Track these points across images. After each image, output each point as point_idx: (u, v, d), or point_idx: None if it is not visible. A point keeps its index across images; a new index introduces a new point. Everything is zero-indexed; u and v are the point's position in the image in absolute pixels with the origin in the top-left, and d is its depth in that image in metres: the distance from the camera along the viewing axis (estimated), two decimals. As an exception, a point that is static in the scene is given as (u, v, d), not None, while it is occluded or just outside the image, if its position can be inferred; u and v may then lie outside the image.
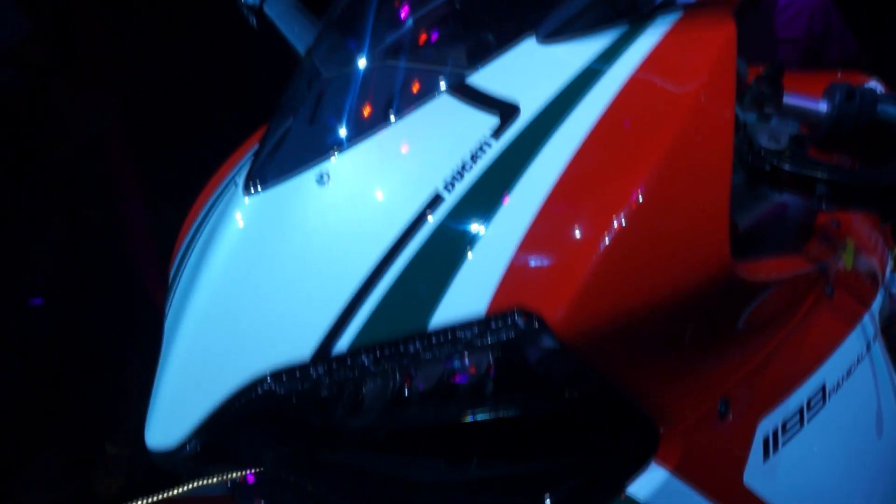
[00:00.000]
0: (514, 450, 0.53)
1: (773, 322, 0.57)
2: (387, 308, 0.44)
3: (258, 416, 0.48)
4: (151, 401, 0.48)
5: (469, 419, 0.51)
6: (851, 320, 0.67)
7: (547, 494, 0.48)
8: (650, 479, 0.48)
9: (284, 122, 0.59)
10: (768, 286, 0.52)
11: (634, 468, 0.48)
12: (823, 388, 0.61)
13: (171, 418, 0.47)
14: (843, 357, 0.64)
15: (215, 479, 0.48)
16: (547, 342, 0.42)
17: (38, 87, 1.30)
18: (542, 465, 0.52)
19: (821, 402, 0.60)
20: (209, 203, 0.66)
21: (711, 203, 0.44)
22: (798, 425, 0.58)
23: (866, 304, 0.72)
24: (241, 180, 0.56)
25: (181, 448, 0.46)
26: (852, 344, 0.66)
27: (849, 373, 0.64)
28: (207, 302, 0.49)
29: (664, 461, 0.48)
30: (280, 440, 0.50)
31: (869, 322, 0.70)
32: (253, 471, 0.49)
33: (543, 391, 0.50)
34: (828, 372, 0.61)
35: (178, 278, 0.57)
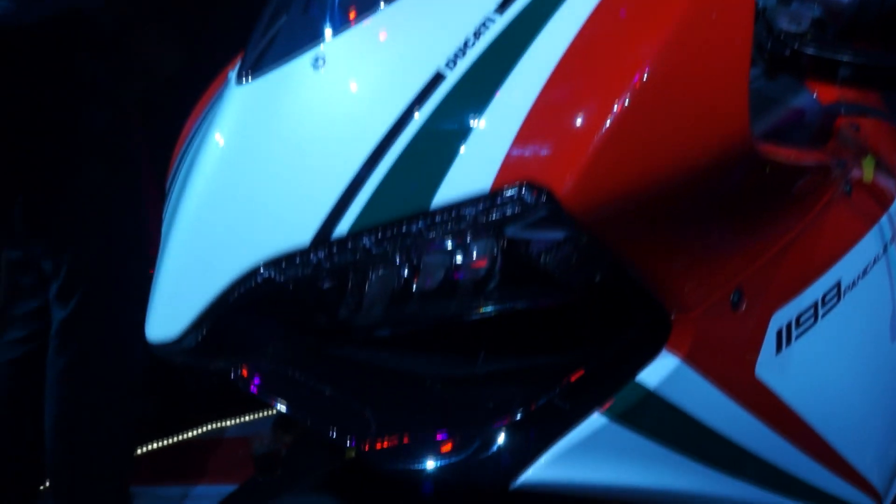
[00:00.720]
0: (522, 344, 0.52)
1: (790, 215, 0.56)
2: (388, 188, 0.42)
3: (260, 308, 0.47)
4: (151, 294, 0.47)
5: (476, 314, 0.50)
6: (869, 220, 0.65)
7: (556, 385, 0.47)
8: (661, 367, 0.47)
9: (278, 12, 0.56)
10: (786, 171, 0.50)
11: (645, 356, 0.47)
12: (839, 286, 0.59)
13: (170, 310, 0.46)
14: (860, 255, 0.62)
15: (216, 368, 0.47)
16: (555, 217, 0.40)
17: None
18: (550, 359, 0.51)
19: (835, 299, 0.59)
20: (208, 106, 0.64)
21: (731, 70, 0.42)
22: (812, 320, 0.56)
23: (884, 207, 0.69)
24: (234, 73, 0.54)
25: (181, 339, 0.45)
26: (869, 243, 0.64)
27: (864, 272, 0.63)
28: (203, 193, 0.47)
29: (675, 349, 0.47)
30: (284, 334, 0.49)
31: (887, 224, 0.68)
32: (257, 364, 0.48)
33: (552, 281, 0.49)
34: (843, 269, 0.60)
35: (176, 177, 0.55)
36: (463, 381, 0.51)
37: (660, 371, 0.47)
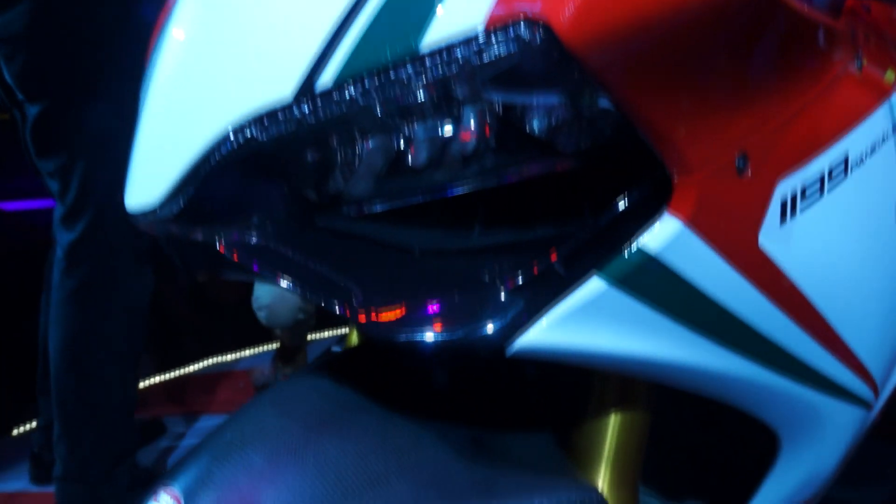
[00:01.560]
0: (519, 216, 0.51)
1: (799, 82, 0.53)
2: (374, 33, 0.39)
3: (245, 174, 0.45)
4: (129, 165, 0.45)
5: (470, 185, 0.48)
6: (879, 96, 0.63)
7: (553, 250, 0.46)
8: (662, 231, 0.46)
9: None
10: (798, 24, 0.47)
11: (646, 220, 0.46)
12: (846, 160, 0.57)
13: (149, 176, 0.44)
14: (868, 131, 0.60)
15: (199, 239, 0.45)
16: (554, 56, 0.38)
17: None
18: (548, 230, 0.50)
19: (842, 174, 0.57)
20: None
21: None
22: (818, 193, 0.55)
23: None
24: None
25: (162, 207, 0.43)
26: (878, 120, 0.62)
27: (872, 149, 0.61)
28: (178, 51, 0.44)
29: (678, 212, 0.46)
30: (270, 204, 0.47)
31: (896, 104, 0.66)
32: (241, 236, 0.46)
33: (549, 147, 0.47)
34: (851, 143, 0.58)
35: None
36: (458, 253, 0.49)
37: (661, 235, 0.46)
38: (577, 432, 0.59)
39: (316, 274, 0.47)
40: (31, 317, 1.67)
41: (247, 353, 2.88)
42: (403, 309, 0.45)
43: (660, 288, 0.47)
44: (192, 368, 2.72)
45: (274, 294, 2.19)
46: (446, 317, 0.45)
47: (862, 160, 0.59)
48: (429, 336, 0.44)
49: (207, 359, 2.75)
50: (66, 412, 1.40)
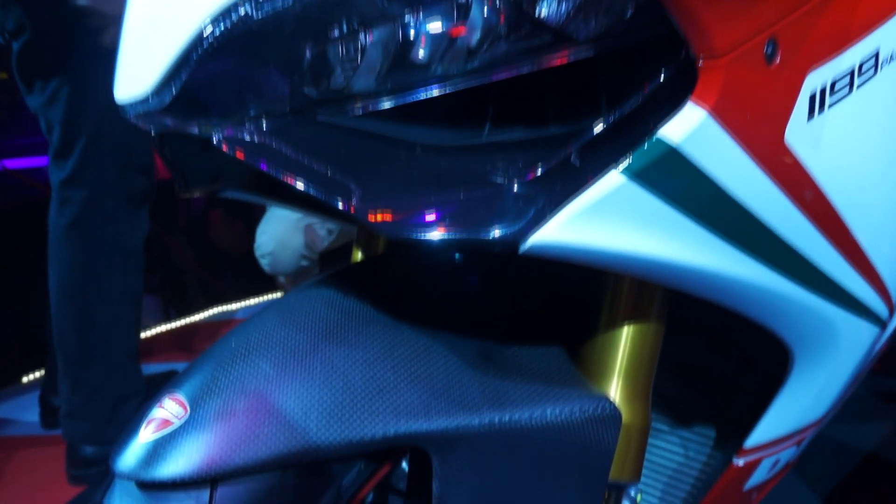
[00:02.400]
0: (533, 112, 0.48)
1: (831, -33, 0.50)
2: None
3: (242, 63, 0.42)
4: (118, 52, 0.42)
5: (480, 78, 0.46)
6: (913, -9, 0.59)
7: (570, 144, 0.43)
8: (685, 121, 0.43)
9: None
10: None
11: (669, 109, 0.43)
12: (877, 55, 0.54)
13: (138, 63, 0.41)
14: (901, 27, 0.57)
15: (193, 132, 0.42)
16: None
17: None
18: (562, 127, 0.47)
19: (873, 70, 0.54)
20: None
21: None
22: (847, 89, 0.52)
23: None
24: None
25: (154, 95, 0.41)
26: (911, 17, 0.58)
27: (904, 47, 0.58)
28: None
29: (702, 99, 0.43)
30: (270, 99, 0.44)
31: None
32: (240, 129, 0.44)
33: (565, 34, 0.44)
34: (883, 37, 0.54)
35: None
36: (468, 151, 0.47)
37: (683, 125, 0.43)
38: (589, 344, 0.58)
39: (317, 172, 0.44)
40: (40, 268, 1.68)
41: (251, 301, 2.89)
42: (410, 207, 0.43)
43: (680, 183, 0.45)
44: (197, 318, 2.74)
45: (277, 241, 2.18)
46: (457, 213, 0.42)
47: (892, 57, 0.56)
48: (439, 233, 0.42)
49: (212, 308, 2.77)
50: (65, 352, 1.41)
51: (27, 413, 1.84)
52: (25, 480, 1.57)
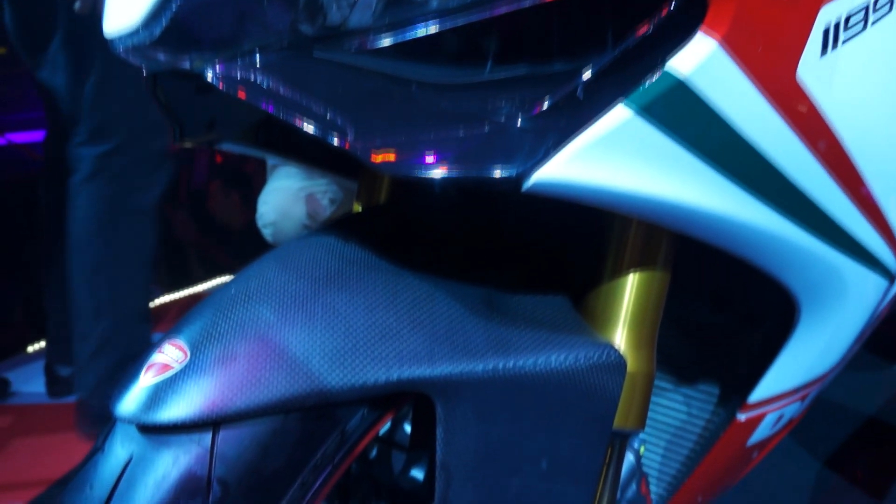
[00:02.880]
0: (535, 49, 0.47)
1: None
2: None
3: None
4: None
5: (481, 12, 0.44)
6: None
7: (575, 79, 0.42)
8: (694, 52, 0.42)
9: None
10: None
11: (678, 39, 0.42)
12: (893, -8, 0.53)
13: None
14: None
15: (188, 65, 0.41)
16: None
17: None
18: (566, 63, 0.46)
19: (888, 6, 0.52)
20: None
21: None
22: (862, 25, 0.50)
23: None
24: None
25: (143, 28, 0.39)
26: (929, -48, 0.56)
27: (921, -15, 0.56)
28: None
29: (712, 29, 0.41)
30: (265, 34, 0.43)
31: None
32: (234, 66, 0.42)
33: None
34: (900, -28, 0.53)
35: None
36: (469, 88, 0.45)
37: (692, 56, 0.42)
38: (594, 292, 0.57)
39: (315, 111, 0.43)
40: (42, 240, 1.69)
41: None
42: (412, 145, 0.42)
43: (688, 119, 0.44)
44: (201, 288, 2.75)
45: (279, 211, 2.17)
46: (460, 151, 0.41)
47: (909, -6, 0.54)
48: (441, 171, 0.41)
49: (216, 278, 2.78)
50: (77, 306, 1.44)
51: (33, 382, 1.85)
52: (32, 448, 1.59)
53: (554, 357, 0.52)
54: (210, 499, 0.42)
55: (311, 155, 0.70)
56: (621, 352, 0.55)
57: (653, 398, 0.95)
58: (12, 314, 2.23)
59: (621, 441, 0.58)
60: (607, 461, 0.57)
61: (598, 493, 0.57)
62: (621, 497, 0.67)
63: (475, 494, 0.51)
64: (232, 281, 0.51)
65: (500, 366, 0.50)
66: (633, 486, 0.68)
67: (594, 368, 0.53)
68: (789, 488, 1.30)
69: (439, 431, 0.49)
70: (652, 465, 0.92)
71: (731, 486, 1.01)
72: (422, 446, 0.61)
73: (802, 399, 0.84)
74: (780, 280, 0.62)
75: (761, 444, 0.88)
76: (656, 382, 0.94)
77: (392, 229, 0.57)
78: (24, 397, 1.84)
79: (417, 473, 0.66)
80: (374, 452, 0.76)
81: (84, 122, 1.35)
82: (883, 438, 1.47)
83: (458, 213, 0.60)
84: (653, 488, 0.90)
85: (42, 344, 2.00)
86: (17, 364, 1.99)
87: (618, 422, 0.56)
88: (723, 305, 0.83)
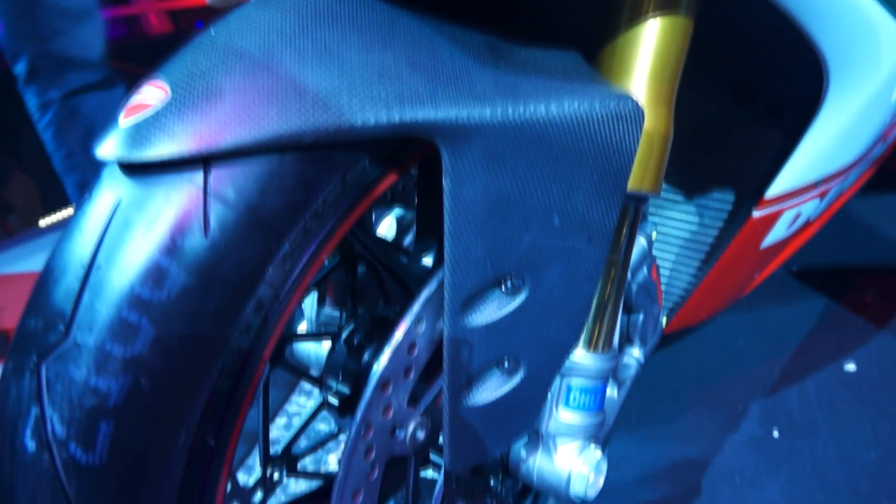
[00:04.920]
0: None
1: None
2: None
3: None
4: None
5: None
6: None
7: None
8: None
9: None
10: None
11: None
12: None
13: None
14: None
15: None
16: None
17: None
18: None
19: None
20: None
21: None
22: None
23: None
24: None
25: None
26: None
27: None
28: None
29: None
30: None
31: None
32: None
33: None
34: None
35: None
36: None
37: None
38: (611, 44, 0.52)
39: None
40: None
41: None
42: None
43: None
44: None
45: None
46: None
47: None
48: None
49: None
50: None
51: (44, 255, 1.87)
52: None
53: (568, 104, 0.48)
54: (208, 236, 0.40)
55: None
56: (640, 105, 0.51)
57: (663, 212, 0.93)
58: (24, 189, 2.23)
59: (636, 205, 0.56)
60: (621, 225, 0.55)
61: (611, 257, 0.56)
62: (632, 279, 0.66)
63: (484, 250, 0.49)
64: (211, 25, 0.47)
65: (511, 111, 0.46)
66: (644, 271, 0.67)
67: (610, 118, 0.49)
68: (795, 319, 1.32)
69: (446, 183, 0.46)
70: (661, 280, 0.91)
71: (737, 301, 1.01)
72: (430, 205, 0.59)
73: (822, 196, 0.82)
74: (811, 38, 0.57)
75: (776, 248, 0.87)
76: (668, 195, 0.91)
77: None
78: (37, 269, 1.86)
79: (427, 260, 0.65)
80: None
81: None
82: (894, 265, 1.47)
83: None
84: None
85: (53, 217, 2.02)
86: (29, 237, 2.00)
87: (633, 183, 0.54)
88: (744, 98, 0.79)
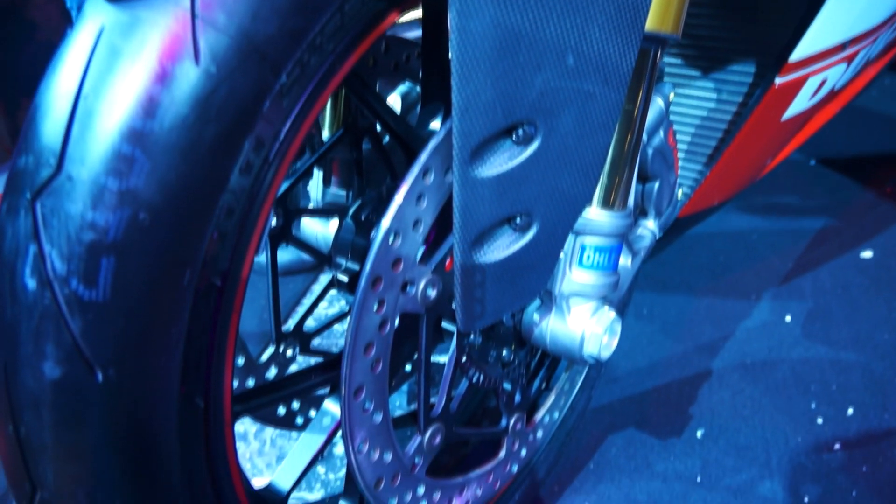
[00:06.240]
0: None
1: None
2: None
3: None
4: None
5: None
6: None
7: None
8: None
9: None
10: None
11: None
12: None
13: None
14: None
15: None
16: None
17: None
18: None
19: None
20: None
21: None
22: None
23: None
24: None
25: None
26: None
27: None
28: None
29: None
30: None
31: None
32: None
33: None
34: None
35: None
36: None
37: None
38: None
39: None
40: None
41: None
42: None
43: None
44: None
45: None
46: None
47: None
48: None
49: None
50: None
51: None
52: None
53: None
54: (199, 62, 0.38)
55: None
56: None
57: (681, 90, 0.89)
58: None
59: (655, 48, 0.52)
60: (640, 71, 0.52)
61: (627, 107, 0.53)
62: (647, 142, 0.64)
63: (495, 93, 0.46)
64: None
65: (519, -68, 0.42)
66: (661, 134, 0.64)
67: (629, -58, 0.45)
68: (811, 211, 1.29)
69: (452, 16, 0.43)
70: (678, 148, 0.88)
71: (752, 182, 0.98)
72: (436, 56, 0.56)
73: (848, 61, 0.77)
74: None
75: (798, 120, 0.83)
76: (687, 71, 0.87)
77: None
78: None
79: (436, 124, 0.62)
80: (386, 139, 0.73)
81: None
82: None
83: None
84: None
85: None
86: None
87: (652, 23, 0.50)
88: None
